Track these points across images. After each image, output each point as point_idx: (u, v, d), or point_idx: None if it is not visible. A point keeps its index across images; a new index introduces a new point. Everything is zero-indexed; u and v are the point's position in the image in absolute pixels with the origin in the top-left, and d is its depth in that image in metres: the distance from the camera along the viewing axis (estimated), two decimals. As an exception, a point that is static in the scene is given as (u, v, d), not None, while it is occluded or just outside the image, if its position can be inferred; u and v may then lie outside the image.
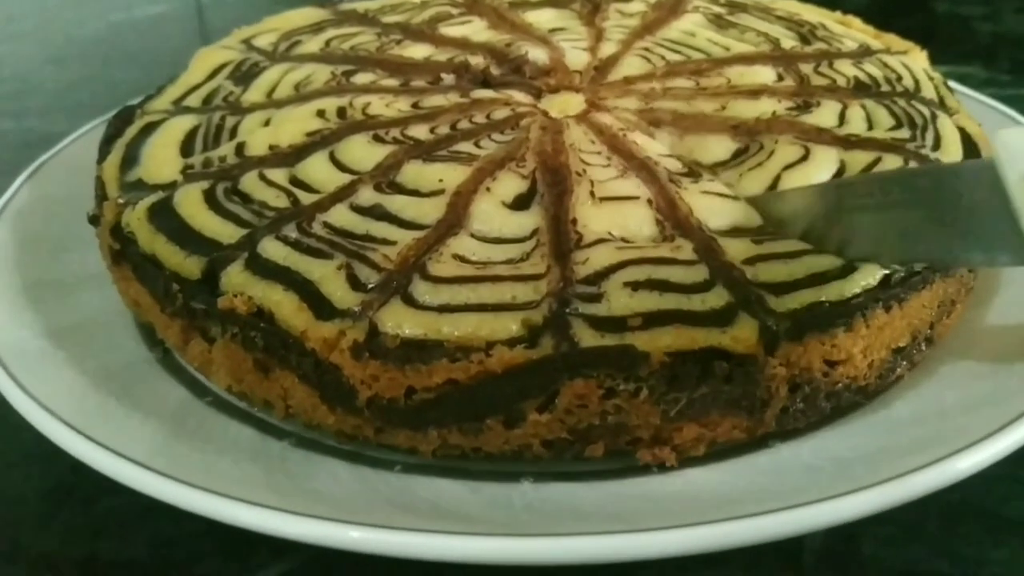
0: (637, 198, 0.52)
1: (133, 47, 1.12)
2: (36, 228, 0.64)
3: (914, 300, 0.49)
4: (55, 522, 0.51)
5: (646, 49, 0.67)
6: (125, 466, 0.45)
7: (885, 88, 0.62)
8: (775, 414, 0.47)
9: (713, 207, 0.52)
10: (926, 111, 0.60)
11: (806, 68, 0.64)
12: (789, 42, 0.68)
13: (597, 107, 0.61)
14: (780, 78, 0.63)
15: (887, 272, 0.49)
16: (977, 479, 0.44)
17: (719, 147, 0.58)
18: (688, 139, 0.59)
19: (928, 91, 0.63)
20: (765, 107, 0.60)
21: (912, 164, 0.55)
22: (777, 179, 0.55)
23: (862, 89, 0.62)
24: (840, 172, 0.55)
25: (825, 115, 0.59)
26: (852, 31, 0.71)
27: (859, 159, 0.56)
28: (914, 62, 0.67)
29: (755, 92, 0.61)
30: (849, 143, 0.57)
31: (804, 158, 0.56)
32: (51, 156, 0.70)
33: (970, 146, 0.58)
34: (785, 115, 0.59)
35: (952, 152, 0.57)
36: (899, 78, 0.64)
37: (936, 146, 0.57)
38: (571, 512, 0.45)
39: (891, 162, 0.55)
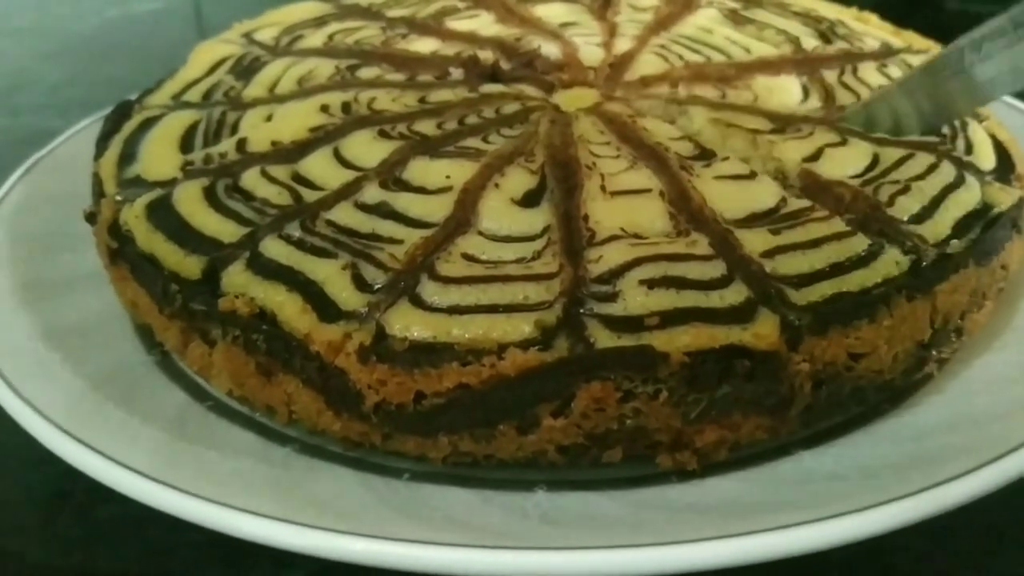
0: (649, 191, 0.51)
1: (130, 43, 1.11)
2: (31, 226, 0.62)
3: (939, 289, 0.48)
4: (50, 530, 0.50)
5: (662, 46, 0.66)
6: (122, 473, 0.44)
7: None
8: (799, 413, 0.46)
9: (728, 194, 0.51)
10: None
11: (830, 77, 0.62)
12: (810, 41, 0.66)
13: (612, 101, 0.60)
14: (806, 92, 0.61)
15: (910, 259, 0.48)
16: (1012, 488, 0.42)
17: (755, 121, 0.57)
18: (724, 112, 0.57)
19: None
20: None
21: (945, 163, 0.54)
22: (820, 151, 0.54)
23: None
24: (873, 164, 0.54)
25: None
26: (871, 28, 0.70)
27: (892, 153, 0.54)
28: (937, 63, 0.65)
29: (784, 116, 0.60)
30: (882, 142, 0.56)
31: (842, 143, 0.55)
32: (46, 153, 0.69)
33: (1002, 153, 0.57)
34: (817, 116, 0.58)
35: (985, 158, 0.56)
36: None
37: (968, 151, 0.56)
38: (588, 523, 0.43)
39: (923, 159, 0.54)
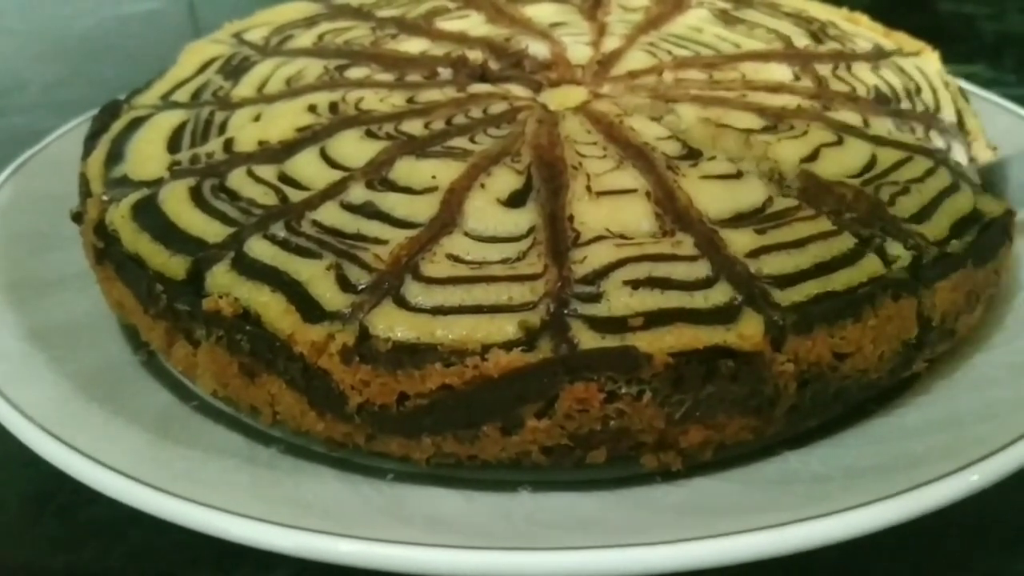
0: (635, 191, 0.51)
1: (123, 43, 1.11)
2: (19, 226, 0.62)
3: (940, 285, 0.48)
4: (35, 530, 0.50)
5: (651, 44, 0.66)
6: (107, 475, 0.44)
7: (905, 105, 0.60)
8: (784, 413, 0.46)
9: (714, 194, 0.51)
10: (942, 143, 0.59)
11: (823, 69, 0.62)
12: (802, 40, 0.66)
13: (599, 99, 0.60)
14: (797, 78, 0.61)
15: (912, 255, 0.48)
16: (996, 489, 0.42)
17: (748, 119, 0.57)
18: (713, 109, 0.57)
19: (947, 111, 0.61)
20: (787, 101, 0.59)
21: (941, 169, 0.54)
22: (817, 151, 0.54)
23: (882, 103, 0.60)
24: (871, 164, 0.54)
25: (849, 117, 0.58)
26: (861, 29, 0.70)
27: (890, 154, 0.54)
28: (928, 65, 0.65)
29: (773, 89, 0.60)
30: (879, 141, 0.56)
31: (839, 143, 0.55)
32: (36, 152, 0.69)
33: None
34: (810, 108, 0.58)
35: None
36: (918, 90, 0.62)
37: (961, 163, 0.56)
38: (572, 523, 0.43)
39: (921, 163, 0.54)
